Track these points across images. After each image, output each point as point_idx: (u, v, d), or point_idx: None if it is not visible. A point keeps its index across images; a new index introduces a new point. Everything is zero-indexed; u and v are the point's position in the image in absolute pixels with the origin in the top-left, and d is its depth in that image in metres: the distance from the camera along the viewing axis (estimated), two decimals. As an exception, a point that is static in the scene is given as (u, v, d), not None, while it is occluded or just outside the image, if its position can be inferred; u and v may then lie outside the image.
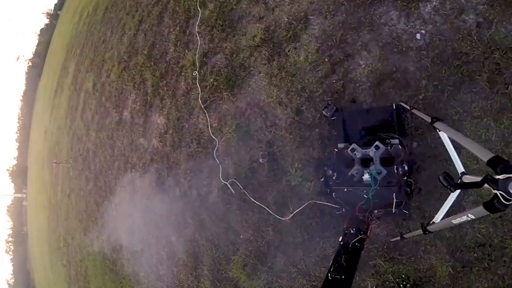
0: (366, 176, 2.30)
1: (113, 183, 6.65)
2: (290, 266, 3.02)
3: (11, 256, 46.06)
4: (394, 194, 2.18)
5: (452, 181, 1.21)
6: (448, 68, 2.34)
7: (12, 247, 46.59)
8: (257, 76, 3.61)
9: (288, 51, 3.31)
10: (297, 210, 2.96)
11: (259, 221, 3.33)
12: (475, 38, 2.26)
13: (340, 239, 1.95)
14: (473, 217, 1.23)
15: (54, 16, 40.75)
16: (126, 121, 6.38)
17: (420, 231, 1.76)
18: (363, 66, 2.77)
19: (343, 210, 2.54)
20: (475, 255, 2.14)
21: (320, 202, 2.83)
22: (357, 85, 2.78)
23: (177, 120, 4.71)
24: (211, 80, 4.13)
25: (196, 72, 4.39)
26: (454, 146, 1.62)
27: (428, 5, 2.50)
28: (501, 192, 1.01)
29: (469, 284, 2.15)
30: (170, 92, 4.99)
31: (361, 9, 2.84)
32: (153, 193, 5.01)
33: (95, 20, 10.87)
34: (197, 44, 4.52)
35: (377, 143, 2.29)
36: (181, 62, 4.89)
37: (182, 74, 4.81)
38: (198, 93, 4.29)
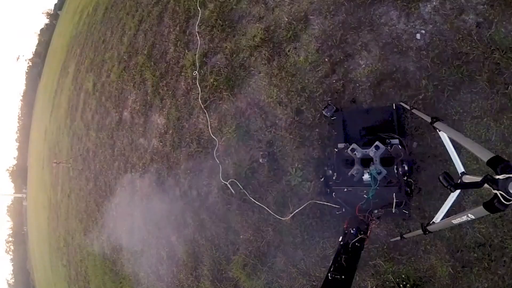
0: (366, 176, 2.31)
1: (113, 183, 6.65)
2: (290, 266, 3.02)
3: (11, 256, 46.18)
4: (394, 194, 2.18)
5: (452, 181, 1.21)
6: (448, 68, 2.35)
7: (12, 247, 46.71)
8: (257, 76, 3.61)
9: (288, 51, 3.31)
10: (297, 210, 2.96)
11: (259, 221, 3.33)
12: (475, 38, 2.26)
13: (340, 239, 1.95)
14: (473, 217, 1.23)
15: (54, 16, 40.73)
16: (126, 121, 6.37)
17: (420, 231, 1.76)
18: (363, 66, 2.77)
19: (343, 210, 2.54)
20: (475, 255, 2.14)
21: (320, 202, 2.83)
22: (357, 85, 2.78)
23: (177, 120, 4.71)
24: (211, 80, 4.13)
25: (196, 72, 4.39)
26: (454, 146, 1.62)
27: (428, 5, 2.50)
28: (501, 192, 1.02)
29: (469, 284, 2.15)
30: (170, 92, 4.99)
31: (361, 9, 2.84)
32: (153, 193, 5.01)
33: (95, 20, 10.87)
34: (197, 44, 4.52)
35: (377, 143, 2.29)
36: (181, 62, 4.89)
37: (182, 74, 4.81)
38: (198, 93, 4.29)
